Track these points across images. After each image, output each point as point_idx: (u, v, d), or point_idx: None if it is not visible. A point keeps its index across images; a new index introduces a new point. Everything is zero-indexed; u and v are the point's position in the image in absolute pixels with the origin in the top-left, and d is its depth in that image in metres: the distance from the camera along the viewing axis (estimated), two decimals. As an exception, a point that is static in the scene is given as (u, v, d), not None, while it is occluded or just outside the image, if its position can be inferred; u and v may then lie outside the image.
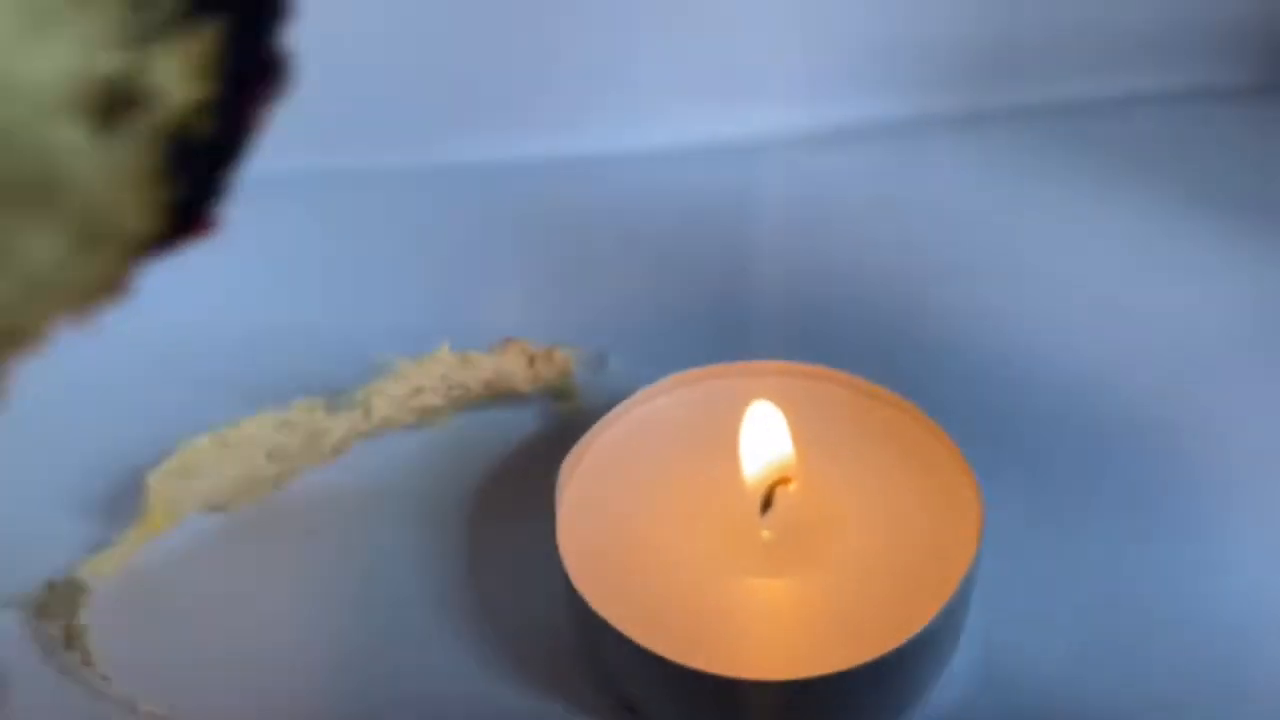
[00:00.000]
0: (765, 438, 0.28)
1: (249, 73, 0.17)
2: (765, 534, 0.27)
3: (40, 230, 0.16)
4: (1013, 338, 0.35)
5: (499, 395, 0.33)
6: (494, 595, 0.29)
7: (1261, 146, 0.41)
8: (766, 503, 0.27)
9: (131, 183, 0.16)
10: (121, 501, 0.30)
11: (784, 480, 0.27)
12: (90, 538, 0.30)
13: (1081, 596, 0.28)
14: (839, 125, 0.43)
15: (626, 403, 0.30)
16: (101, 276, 0.16)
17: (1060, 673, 0.27)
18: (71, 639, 0.27)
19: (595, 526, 0.27)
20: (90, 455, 0.31)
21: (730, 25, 0.41)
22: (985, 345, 0.35)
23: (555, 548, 0.26)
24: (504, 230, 0.39)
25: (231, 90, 0.17)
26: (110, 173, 0.16)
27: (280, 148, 0.45)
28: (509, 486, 0.31)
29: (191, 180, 0.17)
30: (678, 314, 0.36)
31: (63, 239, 0.16)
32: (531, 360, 0.33)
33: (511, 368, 0.32)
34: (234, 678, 0.27)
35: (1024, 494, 0.30)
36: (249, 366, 0.33)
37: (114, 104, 0.16)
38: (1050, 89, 0.44)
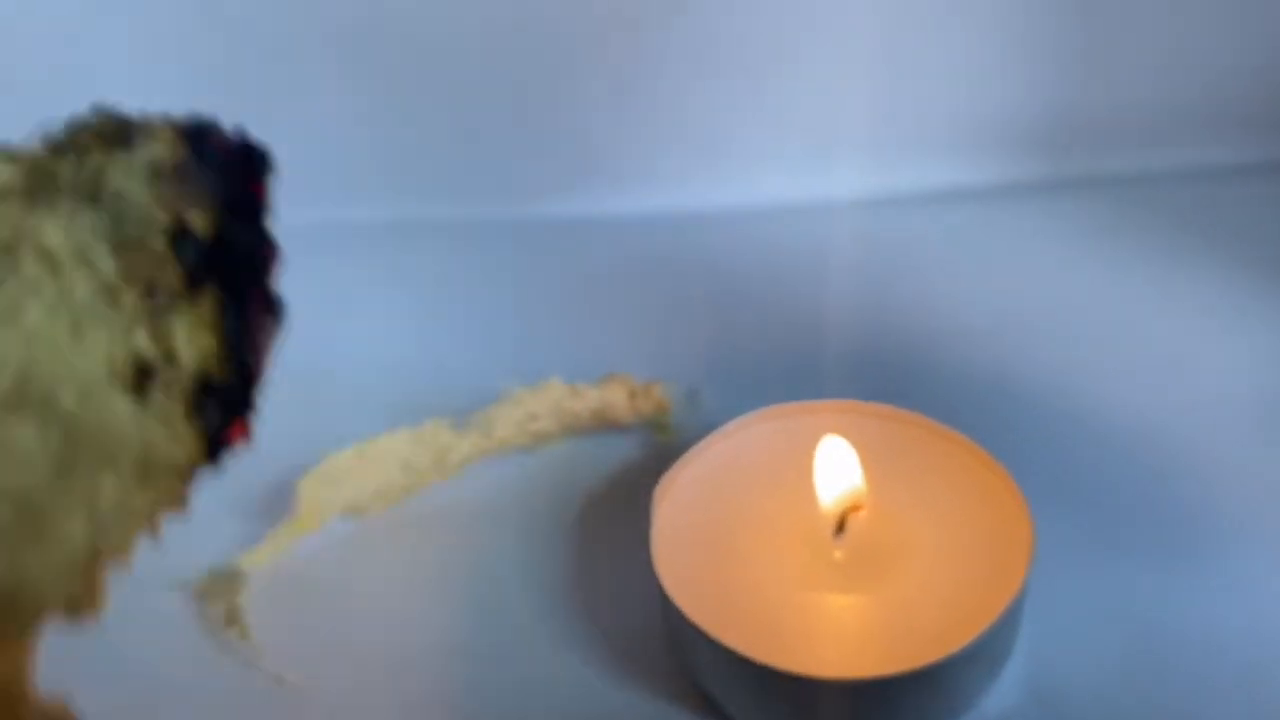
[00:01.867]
0: (839, 469, 0.29)
1: (250, 317, 0.20)
2: (838, 555, 0.28)
3: (110, 475, 0.19)
4: (1071, 385, 0.36)
5: (603, 424, 0.34)
6: (593, 599, 0.30)
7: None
8: (839, 527, 0.28)
9: (171, 426, 0.20)
10: (275, 503, 0.32)
11: (855, 507, 0.28)
12: (248, 534, 0.32)
13: (1123, 623, 0.29)
14: (915, 189, 0.44)
15: (716, 434, 0.31)
16: (163, 499, 0.20)
17: (1100, 690, 0.27)
18: (231, 618, 0.30)
19: (685, 542, 0.28)
20: (250, 463, 0.33)
21: (818, 97, 0.43)
22: (1044, 391, 0.35)
23: (650, 559, 0.28)
24: (611, 278, 0.41)
25: (237, 335, 0.20)
26: (154, 424, 0.20)
27: (415, 199, 0.49)
28: (610, 504, 0.33)
29: (221, 411, 0.20)
30: (764, 357, 0.37)
31: (128, 480, 0.20)
32: (632, 394, 0.34)
33: (615, 400, 0.34)
34: (364, 658, 0.29)
35: (1074, 527, 0.31)
36: (389, 390, 0.36)
37: (147, 372, 0.20)
38: (1120, 160, 0.44)
